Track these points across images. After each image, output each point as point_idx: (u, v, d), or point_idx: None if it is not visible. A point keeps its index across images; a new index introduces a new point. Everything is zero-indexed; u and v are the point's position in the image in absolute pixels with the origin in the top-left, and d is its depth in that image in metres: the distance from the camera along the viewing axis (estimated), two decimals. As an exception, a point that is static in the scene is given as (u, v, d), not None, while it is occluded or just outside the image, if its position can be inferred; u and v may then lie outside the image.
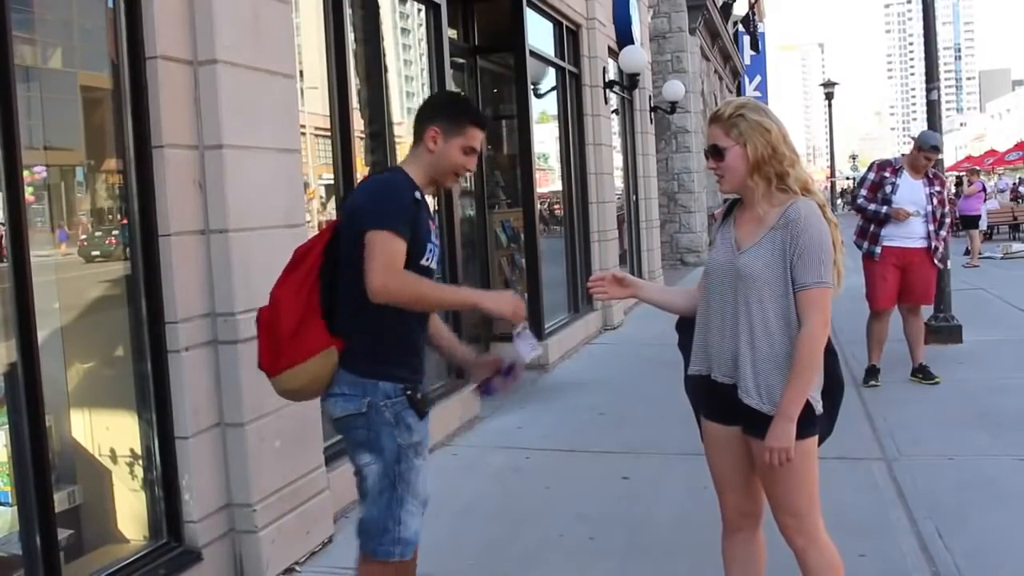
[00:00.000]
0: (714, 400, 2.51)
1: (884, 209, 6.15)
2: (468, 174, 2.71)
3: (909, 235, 6.21)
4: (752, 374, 2.38)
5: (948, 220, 6.54)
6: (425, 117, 2.62)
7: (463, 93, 2.67)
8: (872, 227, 6.27)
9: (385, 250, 2.35)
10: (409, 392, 2.50)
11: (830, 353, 2.48)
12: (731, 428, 2.50)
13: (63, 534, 2.99)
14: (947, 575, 3.35)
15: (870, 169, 6.54)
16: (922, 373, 6.37)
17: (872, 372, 6.37)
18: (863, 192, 6.37)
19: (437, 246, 2.61)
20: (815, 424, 2.43)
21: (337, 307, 2.50)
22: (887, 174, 6.28)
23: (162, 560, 3.24)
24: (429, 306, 2.52)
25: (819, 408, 2.41)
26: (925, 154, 6.21)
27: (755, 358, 2.37)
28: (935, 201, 6.23)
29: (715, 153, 2.44)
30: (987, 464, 4.58)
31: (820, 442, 2.50)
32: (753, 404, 2.38)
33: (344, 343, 2.47)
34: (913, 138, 6.53)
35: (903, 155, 6.57)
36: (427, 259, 2.54)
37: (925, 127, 7.51)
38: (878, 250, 6.23)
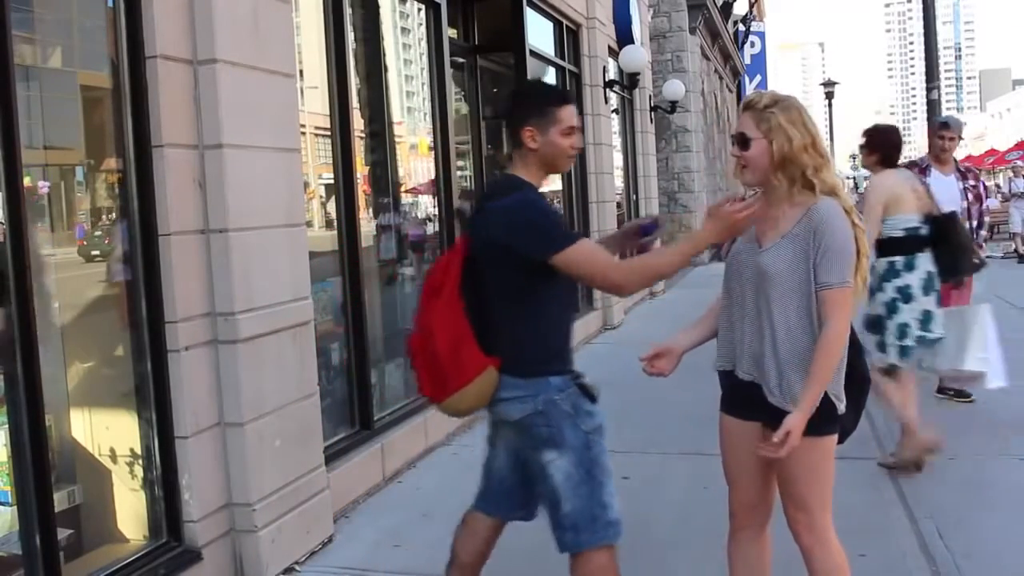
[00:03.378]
0: (736, 395, 2.52)
1: None
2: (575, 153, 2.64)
3: None
4: (776, 373, 2.37)
5: (987, 219, 5.89)
6: (515, 121, 2.58)
7: (541, 81, 2.78)
8: None
9: (588, 259, 2.44)
10: (578, 380, 2.54)
11: (853, 346, 2.46)
12: (750, 424, 2.49)
13: (63, 534, 2.99)
14: (947, 575, 3.35)
15: None
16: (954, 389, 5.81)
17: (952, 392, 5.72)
18: None
19: None
20: (835, 422, 2.42)
21: (491, 323, 2.53)
22: None
23: (162, 560, 3.25)
24: (668, 276, 2.52)
25: (841, 407, 2.40)
26: (938, 133, 5.67)
27: (778, 358, 2.36)
28: (971, 197, 5.63)
29: (741, 141, 2.39)
30: (987, 464, 4.58)
31: (845, 437, 2.50)
32: (776, 403, 2.37)
33: (504, 353, 2.51)
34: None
35: (927, 153, 5.95)
36: None
37: (925, 127, 7.47)
38: None
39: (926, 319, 4.46)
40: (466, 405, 2.56)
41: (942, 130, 5.65)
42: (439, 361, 2.49)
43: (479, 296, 2.54)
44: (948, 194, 5.51)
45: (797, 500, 2.46)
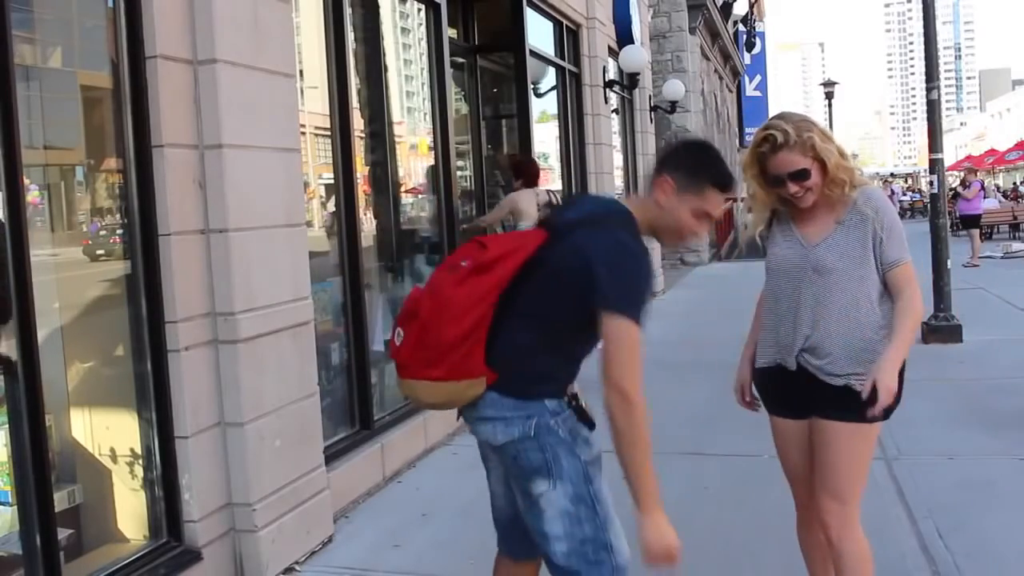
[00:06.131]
0: (785, 392, 2.60)
1: None
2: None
3: None
4: (840, 356, 2.47)
5: None
6: (663, 162, 2.31)
7: (707, 143, 2.42)
8: None
9: (632, 349, 2.10)
10: (575, 402, 2.25)
11: None
12: (800, 422, 2.59)
13: (63, 534, 2.99)
14: (947, 575, 3.36)
15: None
16: None
17: None
18: None
19: None
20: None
21: (512, 331, 2.21)
22: None
23: (162, 560, 3.24)
24: (629, 450, 2.12)
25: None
26: None
27: (840, 341, 2.47)
28: None
29: (801, 176, 2.48)
30: (987, 464, 4.58)
31: (887, 416, 2.54)
32: (841, 383, 2.45)
33: (502, 366, 2.19)
34: None
35: None
36: None
37: (925, 127, 7.45)
38: None
39: None
40: (434, 400, 2.24)
41: None
42: (441, 341, 2.14)
43: (511, 297, 2.20)
44: None
45: (835, 490, 2.52)
